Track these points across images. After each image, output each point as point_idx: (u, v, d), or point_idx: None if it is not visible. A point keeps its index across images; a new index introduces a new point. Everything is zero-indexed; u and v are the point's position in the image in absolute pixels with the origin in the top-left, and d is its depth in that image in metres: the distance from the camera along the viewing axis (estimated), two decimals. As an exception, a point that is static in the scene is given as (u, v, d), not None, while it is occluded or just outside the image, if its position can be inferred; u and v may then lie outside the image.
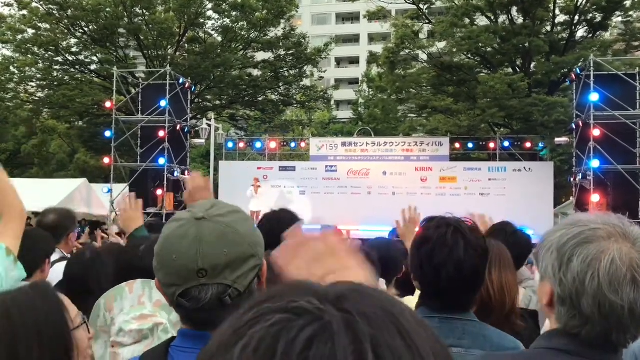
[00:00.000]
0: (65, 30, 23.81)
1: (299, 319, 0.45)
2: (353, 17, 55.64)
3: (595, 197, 13.29)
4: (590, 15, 20.34)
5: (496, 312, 2.13)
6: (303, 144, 20.34)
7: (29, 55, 23.97)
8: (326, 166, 18.53)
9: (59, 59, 24.48)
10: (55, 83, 24.69)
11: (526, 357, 1.29)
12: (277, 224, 2.87)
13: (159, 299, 1.81)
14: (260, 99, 26.27)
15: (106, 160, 16.59)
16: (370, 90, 35.98)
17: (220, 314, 1.14)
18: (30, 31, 23.65)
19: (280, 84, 26.08)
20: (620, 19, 20.93)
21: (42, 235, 2.85)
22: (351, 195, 17.92)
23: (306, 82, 27.35)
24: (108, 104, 17.03)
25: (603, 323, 1.15)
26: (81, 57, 25.00)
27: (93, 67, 25.47)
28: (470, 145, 19.07)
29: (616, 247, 1.16)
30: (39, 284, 1.48)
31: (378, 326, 0.45)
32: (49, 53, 24.03)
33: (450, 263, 1.70)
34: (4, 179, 2.07)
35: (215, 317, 1.14)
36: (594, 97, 13.55)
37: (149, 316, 1.75)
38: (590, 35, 20.96)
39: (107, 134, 16.70)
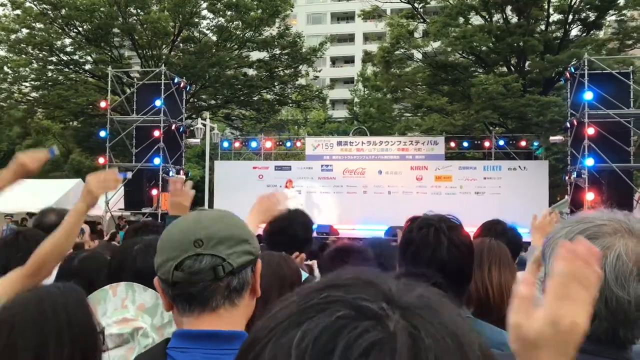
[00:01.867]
0: (59, 30, 23.71)
1: (365, 320, 0.45)
2: (348, 17, 55.66)
3: (590, 196, 13.34)
4: (584, 14, 20.42)
5: (495, 312, 2.12)
6: (299, 144, 20.33)
7: (23, 55, 23.88)
8: (322, 165, 18.54)
9: (53, 58, 24.38)
10: (50, 83, 24.59)
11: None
12: (289, 224, 2.88)
13: (143, 303, 1.81)
14: (255, 98, 26.24)
15: (101, 160, 16.53)
16: (365, 89, 36.00)
17: (213, 288, 1.18)
18: (24, 31, 23.56)
19: (276, 84, 26.07)
20: (614, 17, 21.01)
21: (38, 236, 2.84)
22: (347, 195, 17.94)
23: (301, 81, 27.35)
24: (103, 104, 16.99)
25: (610, 319, 1.15)
26: (75, 57, 24.92)
27: (87, 67, 25.39)
28: (465, 144, 19.12)
29: (622, 242, 1.16)
30: (70, 285, 1.52)
31: (442, 353, 0.44)
32: (43, 53, 23.94)
33: (434, 263, 1.71)
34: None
35: (207, 293, 1.18)
36: (588, 95, 13.59)
37: (130, 320, 1.75)
38: (584, 34, 21.04)
39: (102, 134, 16.65)
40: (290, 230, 2.84)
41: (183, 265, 1.17)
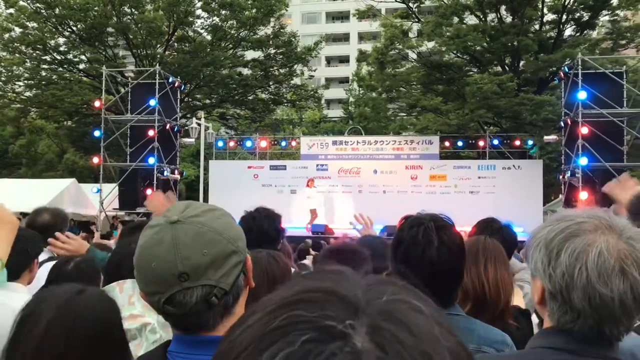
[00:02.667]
0: (53, 29, 23.61)
1: (331, 342, 0.42)
2: (343, 16, 55.65)
3: (583, 195, 13.40)
4: (578, 14, 20.51)
5: (490, 309, 2.13)
6: (294, 143, 20.32)
7: (16, 54, 23.77)
8: (317, 165, 18.53)
9: (47, 57, 24.27)
10: (43, 82, 24.48)
11: (524, 357, 1.30)
12: (254, 223, 2.92)
13: None
14: (250, 97, 26.21)
15: (95, 160, 16.48)
16: (360, 89, 36.02)
17: (208, 315, 1.13)
18: (18, 30, 23.43)
19: (271, 83, 26.04)
20: (607, 17, 21.12)
21: (30, 235, 2.84)
22: (342, 194, 17.94)
23: (296, 80, 27.33)
24: (97, 104, 16.93)
25: (594, 316, 1.15)
26: (69, 56, 24.81)
27: (82, 66, 25.28)
28: (459, 143, 19.17)
29: (603, 239, 1.16)
30: (99, 289, 1.57)
31: None
32: (37, 52, 23.83)
33: (425, 262, 1.72)
34: None
35: (204, 320, 1.13)
36: (582, 95, 13.65)
37: (138, 316, 1.75)
38: (578, 34, 21.13)
39: (96, 133, 16.60)
40: (256, 228, 2.86)
41: (173, 300, 1.12)
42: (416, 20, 22.28)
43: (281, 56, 25.45)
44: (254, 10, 23.71)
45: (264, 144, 20.10)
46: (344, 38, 55.91)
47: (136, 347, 1.73)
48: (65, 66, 24.93)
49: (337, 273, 0.51)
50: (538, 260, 1.22)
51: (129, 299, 1.81)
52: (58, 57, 24.44)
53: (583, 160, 13.53)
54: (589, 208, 1.26)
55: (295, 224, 15.29)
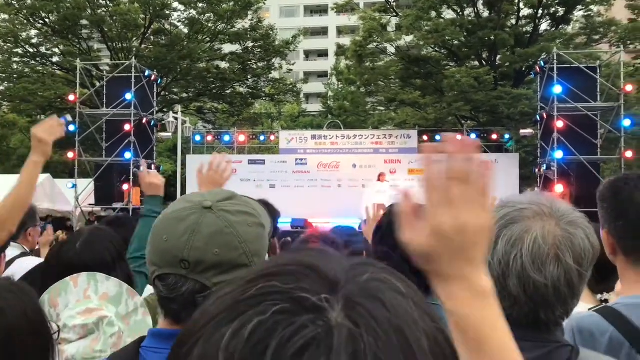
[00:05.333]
0: (25, 21, 23.10)
1: (304, 314, 0.41)
2: (321, 10, 55.54)
3: (559, 188, 13.61)
4: (553, 9, 20.82)
5: None
6: (272, 137, 20.24)
7: (-14, 47, 23.22)
8: (296, 159, 18.49)
9: (19, 50, 23.75)
10: (15, 76, 23.97)
11: None
12: None
13: (106, 292, 1.78)
14: (228, 91, 26.00)
15: (70, 154, 16.19)
16: (339, 83, 36.04)
17: (190, 312, 1.09)
18: (-12, 22, 22.90)
19: (249, 77, 25.88)
20: (581, 13, 21.46)
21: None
22: (321, 188, 17.94)
23: (275, 74, 27.20)
24: (71, 97, 16.62)
25: (529, 303, 1.15)
26: (42, 49, 24.30)
27: (55, 59, 24.78)
28: (437, 137, 19.28)
29: (540, 225, 1.16)
30: (20, 284, 1.44)
31: (383, 351, 0.40)
32: (8, 44, 23.28)
33: (399, 249, 1.74)
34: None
35: (185, 316, 1.10)
36: (557, 89, 13.84)
37: (94, 310, 1.71)
38: (554, 29, 21.44)
39: (71, 128, 16.27)
40: None
41: (166, 279, 1.10)
42: (394, 14, 22.34)
43: (259, 50, 25.30)
44: (231, 3, 23.50)
45: (242, 138, 19.97)
46: (323, 32, 55.82)
47: (93, 342, 1.69)
48: (37, 59, 24.42)
49: (320, 251, 0.50)
50: None
51: (84, 293, 1.77)
52: (30, 50, 23.93)
53: (558, 154, 13.73)
54: (534, 193, 1.26)
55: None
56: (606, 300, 1.81)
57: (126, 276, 1.99)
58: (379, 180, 15.63)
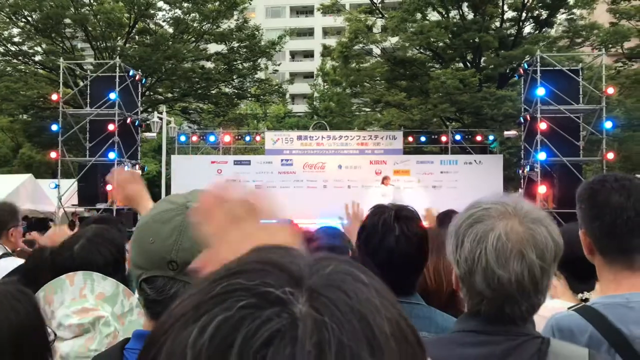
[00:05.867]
0: (7, 19, 22.77)
1: (268, 308, 0.42)
2: (307, 11, 55.54)
3: (542, 189, 13.76)
4: (537, 12, 21.06)
5: (435, 298, 2.15)
6: (258, 138, 20.19)
7: (-33, 45, 22.85)
8: (282, 160, 18.48)
9: (0, 49, 23.40)
10: (-4, 74, 23.63)
11: (443, 341, 1.34)
12: None
13: (102, 292, 1.78)
14: (213, 91, 25.88)
15: (53, 154, 15.99)
16: (325, 83, 36.06)
17: None
18: (-31, 20, 22.53)
19: (234, 77, 25.79)
20: (564, 16, 21.74)
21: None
22: (307, 189, 17.95)
23: (260, 75, 27.14)
24: (54, 97, 16.41)
25: (495, 298, 1.20)
26: (24, 48, 23.98)
27: (37, 58, 24.47)
28: (422, 138, 19.41)
29: (503, 223, 1.20)
30: (21, 287, 1.46)
31: (348, 339, 0.41)
32: (-11, 43, 22.96)
33: (382, 250, 1.78)
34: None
35: None
36: (540, 91, 13.99)
37: (90, 310, 1.71)
38: (537, 32, 21.68)
39: (54, 127, 16.09)
40: None
41: (153, 282, 1.09)
42: (380, 16, 22.43)
43: (245, 50, 25.22)
44: (216, 3, 23.40)
45: (227, 138, 19.90)
46: (309, 33, 55.83)
47: (87, 341, 1.69)
48: (19, 58, 24.09)
49: (284, 249, 0.51)
50: (449, 248, 1.28)
51: (80, 292, 1.77)
52: (12, 49, 23.59)
53: (542, 155, 13.88)
54: (501, 194, 1.30)
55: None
56: (587, 300, 1.84)
57: (123, 278, 1.98)
58: (383, 183, 15.65)
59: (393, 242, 1.77)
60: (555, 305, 1.78)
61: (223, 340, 0.41)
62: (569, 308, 1.58)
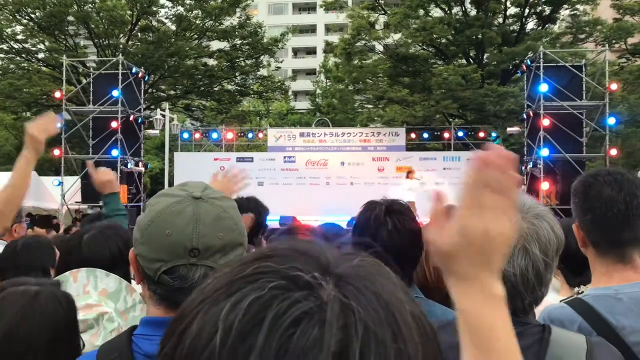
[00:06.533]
0: (10, 17, 22.81)
1: (297, 290, 0.44)
2: (309, 7, 55.46)
3: (545, 185, 13.74)
4: (540, 8, 20.99)
5: (435, 292, 2.15)
6: (261, 135, 20.21)
7: (-30, 43, 22.91)
8: (284, 157, 18.49)
9: (4, 46, 23.45)
10: (0, 72, 23.67)
11: (448, 329, 1.35)
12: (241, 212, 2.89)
13: (105, 288, 1.80)
14: (216, 88, 25.89)
15: (56, 152, 16.03)
16: (327, 80, 36.04)
17: None
18: (-28, 18, 22.58)
19: (237, 74, 25.79)
20: (567, 12, 21.66)
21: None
22: (310, 186, 17.96)
23: (263, 72, 27.13)
24: (57, 94, 16.45)
25: None
26: (27, 45, 24.03)
27: (41, 55, 24.51)
28: (425, 135, 19.40)
29: None
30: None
31: (373, 324, 0.44)
32: (-8, 40, 23.01)
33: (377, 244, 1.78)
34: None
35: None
36: (543, 87, 13.95)
37: (94, 305, 1.74)
38: (540, 27, 21.62)
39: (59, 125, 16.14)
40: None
41: (175, 272, 1.13)
42: (383, 12, 22.39)
43: (247, 47, 25.21)
44: (219, 0, 23.40)
45: (230, 135, 19.92)
46: (311, 29, 55.75)
47: (92, 337, 1.71)
48: (23, 55, 24.14)
49: (310, 241, 0.53)
50: None
51: (83, 288, 1.79)
52: (15, 46, 23.65)
53: (544, 152, 13.85)
54: None
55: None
56: (582, 293, 1.87)
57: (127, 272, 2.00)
58: (407, 177, 15.53)
59: (386, 236, 1.79)
60: (549, 298, 1.80)
61: (254, 317, 0.43)
62: (561, 300, 1.61)
